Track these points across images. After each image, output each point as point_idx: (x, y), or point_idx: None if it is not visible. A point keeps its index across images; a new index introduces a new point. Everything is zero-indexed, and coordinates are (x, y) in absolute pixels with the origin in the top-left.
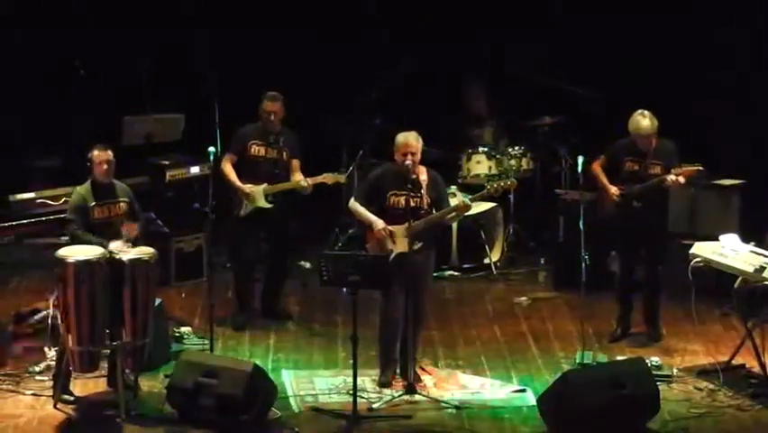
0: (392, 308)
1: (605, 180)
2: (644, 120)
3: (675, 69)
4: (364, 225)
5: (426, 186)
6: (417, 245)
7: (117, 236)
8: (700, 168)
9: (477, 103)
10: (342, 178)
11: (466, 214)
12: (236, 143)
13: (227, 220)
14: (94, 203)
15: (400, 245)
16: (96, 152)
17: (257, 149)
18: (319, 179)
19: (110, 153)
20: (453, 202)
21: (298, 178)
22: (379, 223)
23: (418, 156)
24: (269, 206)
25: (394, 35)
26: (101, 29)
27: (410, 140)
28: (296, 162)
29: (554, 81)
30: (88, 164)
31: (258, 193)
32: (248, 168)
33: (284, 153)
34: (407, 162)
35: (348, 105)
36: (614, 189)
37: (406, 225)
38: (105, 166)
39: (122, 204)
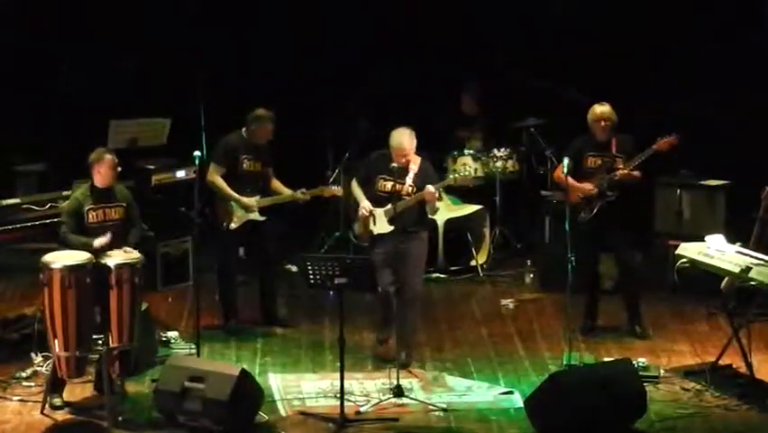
0: (382, 281)
1: (574, 182)
2: (600, 106)
3: (661, 68)
4: (355, 204)
5: (415, 174)
6: (390, 228)
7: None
8: (677, 136)
9: (471, 103)
10: (338, 191)
11: (456, 216)
12: (226, 156)
13: (215, 231)
14: (89, 207)
15: (380, 226)
16: (98, 156)
17: (249, 163)
18: (316, 191)
19: (113, 158)
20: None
21: (289, 191)
22: (363, 203)
23: (411, 156)
24: (262, 218)
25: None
26: (88, 32)
27: (404, 143)
28: (270, 171)
29: (543, 82)
30: (89, 168)
31: (254, 205)
32: (237, 181)
33: (263, 164)
34: (400, 163)
35: (334, 108)
36: (588, 186)
37: (388, 207)
38: (108, 171)
39: (118, 208)
